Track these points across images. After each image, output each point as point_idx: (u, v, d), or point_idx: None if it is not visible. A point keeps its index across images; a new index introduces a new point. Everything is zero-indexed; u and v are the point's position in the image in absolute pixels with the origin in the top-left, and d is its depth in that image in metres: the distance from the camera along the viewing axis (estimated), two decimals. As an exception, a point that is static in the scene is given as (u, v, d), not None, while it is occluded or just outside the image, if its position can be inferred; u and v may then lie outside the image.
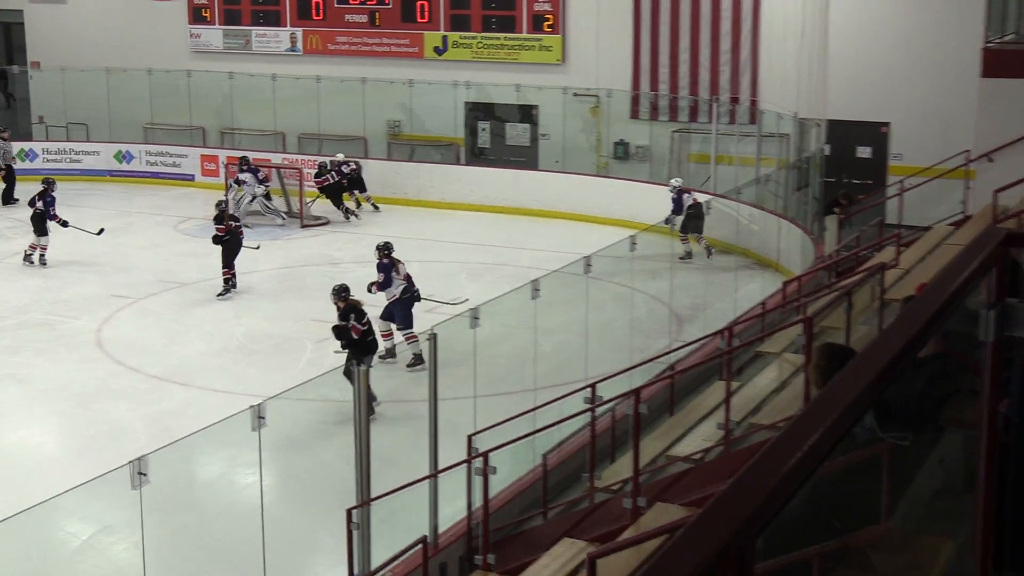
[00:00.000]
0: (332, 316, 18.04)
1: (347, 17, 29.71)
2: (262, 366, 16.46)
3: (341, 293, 14.48)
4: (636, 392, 9.50)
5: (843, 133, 24.31)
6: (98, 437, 14.10)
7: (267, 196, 25.30)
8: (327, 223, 25.37)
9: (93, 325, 18.17)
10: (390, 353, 16.12)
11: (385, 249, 16.74)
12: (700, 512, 2.24)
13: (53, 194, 22.15)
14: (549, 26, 27.59)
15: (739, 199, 21.57)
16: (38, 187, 22.40)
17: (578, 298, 15.05)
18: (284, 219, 25.16)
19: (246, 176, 25.11)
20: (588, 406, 10.55)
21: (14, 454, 14.09)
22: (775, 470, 2.28)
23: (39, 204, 21.86)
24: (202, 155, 29.71)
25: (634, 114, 27.08)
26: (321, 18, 29.95)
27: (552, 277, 14.28)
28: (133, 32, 31.90)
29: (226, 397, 14.52)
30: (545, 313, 13.48)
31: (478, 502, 9.98)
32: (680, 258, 20.77)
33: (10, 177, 27.52)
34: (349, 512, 9.78)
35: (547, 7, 27.45)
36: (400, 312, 16.37)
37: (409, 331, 16.23)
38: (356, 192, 26.48)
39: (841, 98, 24.32)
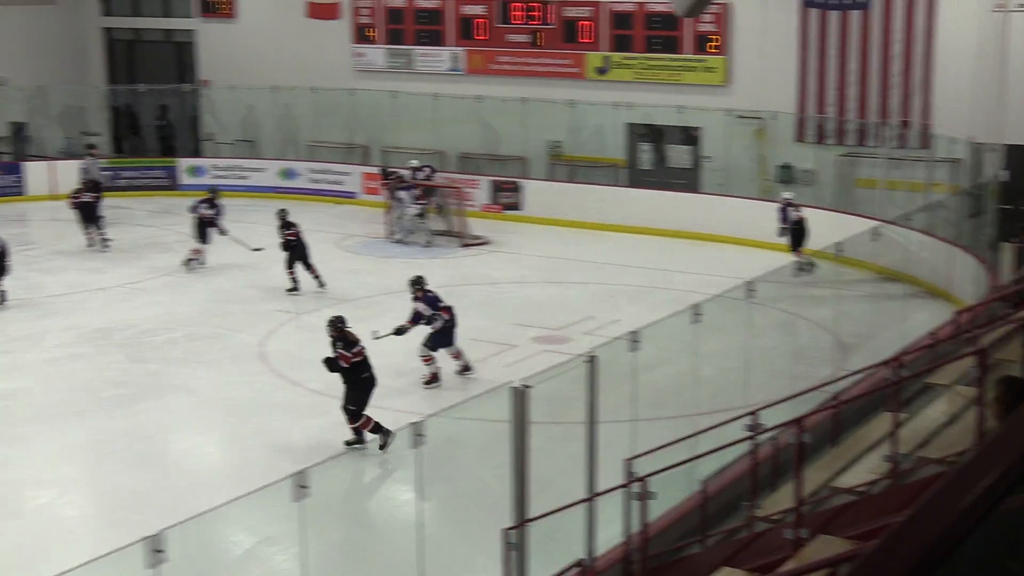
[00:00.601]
0: (494, 334, 18.28)
1: (509, 37, 29.99)
2: (421, 384, 16.69)
3: (335, 324, 14.62)
4: (799, 421, 9.37)
5: (1022, 158, 23.65)
6: (260, 449, 14.49)
7: (421, 215, 25.67)
8: (488, 243, 25.63)
9: (256, 339, 18.68)
10: (435, 378, 16.68)
11: (418, 283, 16.97)
12: (871, 549, 2.24)
13: (220, 203, 23.14)
14: (714, 47, 27.47)
15: (908, 225, 21.15)
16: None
17: (739, 323, 14.92)
18: (428, 240, 25.45)
19: (403, 194, 25.60)
20: (749, 433, 10.45)
21: (182, 462, 14.58)
22: (950, 507, 2.26)
23: (207, 211, 22.77)
24: (364, 173, 30.31)
25: (799, 137, 26.76)
26: (484, 38, 30.29)
27: (713, 302, 14.19)
28: (299, 51, 32.71)
29: (385, 414, 14.76)
30: (706, 338, 13.40)
31: (635, 527, 9.97)
32: (797, 270, 20.73)
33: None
34: (505, 532, 9.87)
35: (712, 27, 27.34)
36: (434, 338, 16.74)
37: (430, 354, 16.69)
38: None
39: (1021, 122, 23.67)
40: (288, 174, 31.06)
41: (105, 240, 24.47)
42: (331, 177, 30.56)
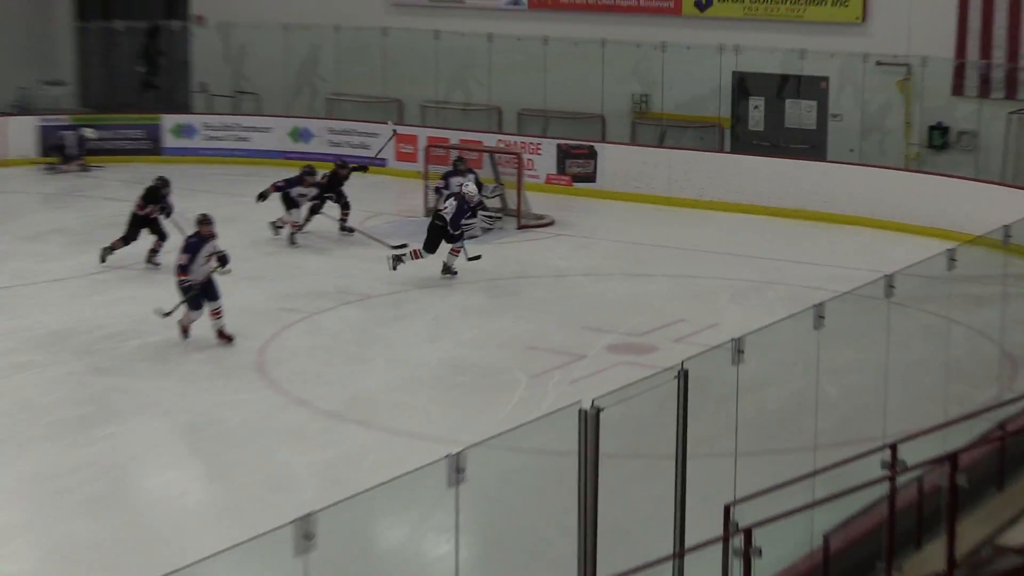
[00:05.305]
0: (558, 341, 18.14)
1: (585, -38, 29.93)
2: (463, 404, 16.59)
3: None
4: (952, 457, 9.27)
5: None
6: (256, 487, 14.40)
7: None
8: (551, 223, 25.46)
9: (256, 344, 18.61)
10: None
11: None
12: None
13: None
14: (847, -26, 27.25)
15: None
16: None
17: (876, 330, 14.70)
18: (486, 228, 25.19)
19: (457, 179, 24.71)
20: (886, 473, 10.27)
21: (154, 504, 14.50)
22: None
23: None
24: (398, 135, 30.17)
25: (957, 90, 26.51)
26: (552, -37, 30.25)
27: (841, 301, 14.00)
28: (318, -20, 32.81)
29: (415, 443, 14.67)
30: (831, 348, 13.19)
31: (736, 592, 9.80)
32: None
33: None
34: (568, 598, 9.73)
35: (845, -51, 27.12)
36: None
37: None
38: None
39: None
40: (301, 135, 31.08)
41: None
42: (356, 139, 30.52)
